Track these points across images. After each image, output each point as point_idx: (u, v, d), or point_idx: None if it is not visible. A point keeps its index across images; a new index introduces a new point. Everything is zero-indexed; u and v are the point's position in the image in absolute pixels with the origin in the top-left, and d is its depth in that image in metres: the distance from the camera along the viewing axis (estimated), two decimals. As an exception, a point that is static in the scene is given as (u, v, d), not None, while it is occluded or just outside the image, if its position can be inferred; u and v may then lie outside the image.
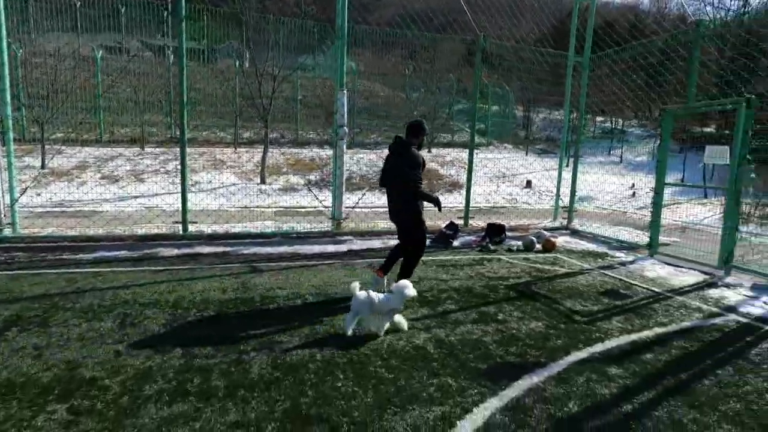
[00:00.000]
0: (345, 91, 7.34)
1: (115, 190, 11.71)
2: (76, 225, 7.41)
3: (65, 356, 3.11)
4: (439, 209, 4.62)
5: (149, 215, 8.81)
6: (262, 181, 13.64)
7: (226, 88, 18.16)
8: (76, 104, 16.17)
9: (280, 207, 11.08)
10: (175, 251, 6.31)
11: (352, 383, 2.89)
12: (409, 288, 3.67)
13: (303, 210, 10.69)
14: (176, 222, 7.37)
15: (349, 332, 3.61)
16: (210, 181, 12.92)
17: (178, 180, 6.95)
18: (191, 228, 7.15)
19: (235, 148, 16.89)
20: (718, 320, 4.42)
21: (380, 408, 2.62)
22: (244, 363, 3.10)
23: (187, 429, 2.37)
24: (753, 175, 6.04)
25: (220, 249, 6.54)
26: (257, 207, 10.74)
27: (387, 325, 3.67)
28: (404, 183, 4.41)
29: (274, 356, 3.22)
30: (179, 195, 6.95)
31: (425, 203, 4.61)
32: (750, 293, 5.38)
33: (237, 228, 7.66)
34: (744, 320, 4.46)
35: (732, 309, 4.79)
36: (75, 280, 4.88)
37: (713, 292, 5.38)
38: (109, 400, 2.61)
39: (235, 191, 12.26)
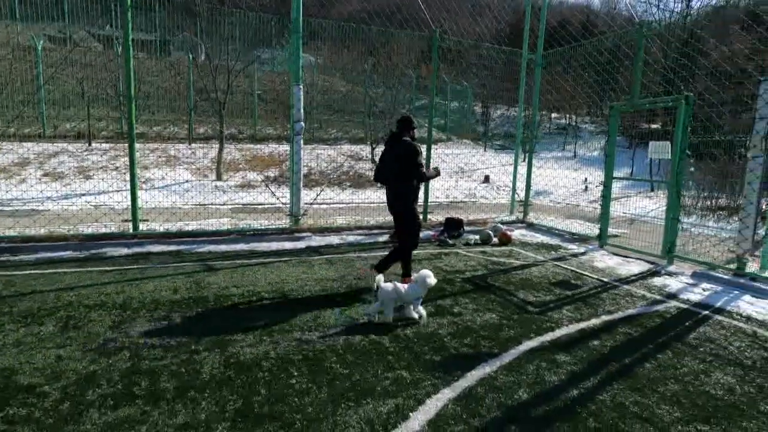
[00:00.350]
0: (301, 86, 7.24)
1: (58, 188, 11.11)
2: (15, 225, 6.98)
3: (0, 363, 2.94)
4: (438, 174, 5.23)
5: (96, 214, 8.42)
6: (218, 178, 13.29)
7: (179, 82, 17.55)
8: (14, 97, 15.21)
9: (237, 204, 10.83)
10: (125, 251, 6.06)
11: (307, 380, 2.86)
12: (430, 277, 3.92)
13: (260, 207, 10.50)
14: (126, 220, 7.08)
15: (376, 319, 3.87)
16: (163, 178, 12.46)
17: (128, 177, 6.67)
18: (142, 226, 6.88)
19: (190, 144, 16.37)
20: (660, 307, 4.65)
21: (334, 403, 2.61)
22: (195, 363, 3.02)
23: (132, 434, 2.28)
24: (692, 169, 6.39)
25: (173, 248, 6.34)
26: (213, 204, 10.45)
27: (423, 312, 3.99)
28: (401, 176, 4.75)
29: (226, 356, 3.15)
30: (129, 192, 6.67)
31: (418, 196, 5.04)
32: (690, 281, 5.69)
33: (191, 226, 7.44)
34: (684, 306, 4.72)
35: (673, 296, 5.06)
36: (13, 282, 4.60)
37: (657, 281, 5.67)
38: (47, 407, 2.48)
39: (189, 188, 11.89)
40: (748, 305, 4.76)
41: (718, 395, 2.89)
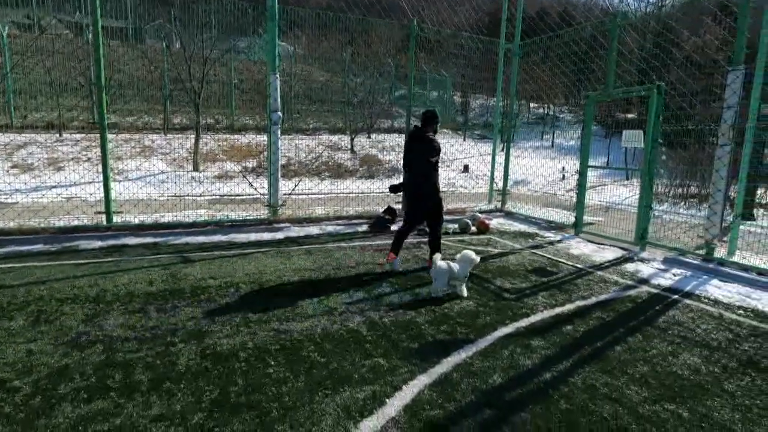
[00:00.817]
0: (278, 75, 7.15)
1: (27, 180, 10.79)
2: (-17, 218, 6.77)
3: (-34, 359, 2.86)
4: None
5: (68, 206, 8.21)
6: (195, 169, 13.08)
7: (153, 71, 17.13)
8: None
9: (215, 195, 10.68)
10: (98, 243, 5.93)
11: (284, 369, 2.87)
12: (473, 255, 4.41)
13: (238, 198, 10.38)
14: (99, 213, 6.92)
15: (441, 294, 4.33)
16: (137, 169, 12.20)
17: (101, 168, 6.51)
18: (116, 219, 6.75)
19: (165, 134, 16.04)
20: (632, 292, 4.78)
21: (311, 392, 2.62)
22: (171, 355, 2.99)
23: (106, 425, 2.26)
24: (664, 157, 6.54)
25: (149, 240, 6.23)
26: (189, 195, 10.30)
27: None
28: (426, 164, 5.11)
29: (203, 347, 3.12)
30: (102, 184, 6.52)
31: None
32: (661, 266, 5.86)
33: (167, 218, 7.32)
34: (654, 291, 4.85)
35: (645, 281, 5.20)
36: (-20, 277, 4.47)
37: (629, 267, 5.81)
38: (18, 401, 2.43)
39: (165, 179, 11.67)
40: (716, 289, 4.93)
41: (684, 375, 3.00)
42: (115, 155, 12.56)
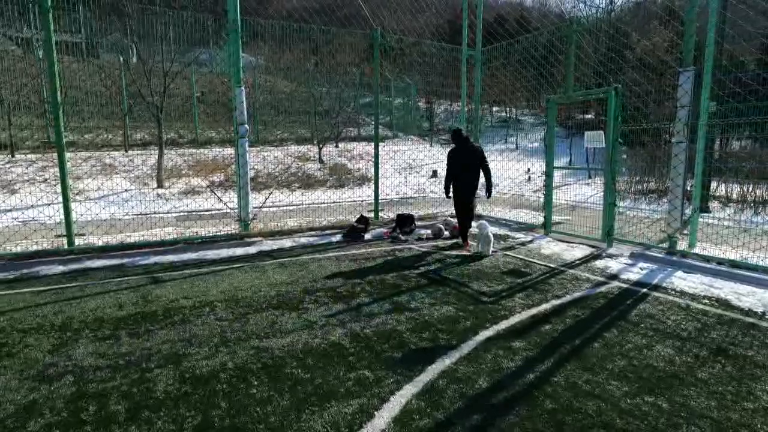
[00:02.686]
0: (243, 88, 7.05)
1: (-20, 205, 10.21)
2: (-69, 248, 6.36)
3: None
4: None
5: (25, 231, 7.82)
6: (160, 186, 12.71)
7: (110, 86, 16.59)
8: None
9: (182, 212, 10.40)
10: (61, 268, 5.67)
11: (267, 388, 2.80)
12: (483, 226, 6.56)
13: (207, 213, 10.14)
14: (60, 236, 6.62)
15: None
16: (98, 189, 11.76)
17: (59, 189, 6.24)
18: (79, 241, 6.48)
19: (126, 151, 15.55)
20: (603, 288, 4.92)
21: (297, 409, 2.57)
22: (148, 382, 2.88)
23: (82, 463, 2.15)
24: (624, 156, 6.80)
25: (115, 261, 6.00)
26: (156, 213, 9.99)
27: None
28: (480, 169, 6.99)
29: (181, 371, 3.02)
30: (61, 205, 6.25)
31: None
32: (629, 261, 6.06)
33: (134, 237, 7.08)
34: (624, 286, 5.01)
35: (615, 277, 5.37)
36: (-68, 311, 4.19)
37: (599, 263, 5.99)
38: (-17, 444, 2.29)
39: (128, 198, 11.29)
40: (681, 281, 5.13)
41: (660, 367, 3.10)
42: (74, 175, 12.07)
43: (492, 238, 6.48)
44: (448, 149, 7.30)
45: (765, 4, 6.24)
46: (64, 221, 6.24)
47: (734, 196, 10.45)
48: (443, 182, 7.33)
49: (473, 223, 7.13)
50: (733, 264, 5.44)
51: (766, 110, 6.85)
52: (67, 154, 6.25)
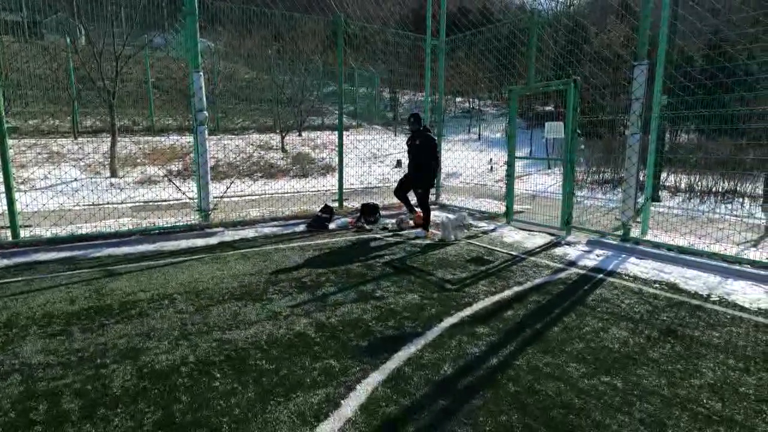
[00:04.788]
0: (201, 73, 6.81)
1: None
2: None
3: None
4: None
5: (-35, 222, 7.32)
6: (113, 174, 12.16)
7: (56, 69, 15.67)
8: None
9: (138, 202, 10.00)
10: (4, 261, 5.34)
11: (231, 380, 2.74)
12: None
13: (165, 203, 9.80)
14: (2, 227, 6.23)
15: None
16: (46, 177, 11.13)
17: (0, 178, 5.86)
18: (24, 233, 6.11)
19: (75, 138, 14.77)
20: (562, 275, 5.08)
21: (262, 401, 2.53)
22: (103, 378, 2.77)
23: (32, 465, 2.04)
24: (582, 147, 7.00)
25: (65, 254, 5.71)
26: (109, 204, 9.55)
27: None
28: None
29: (139, 365, 2.92)
30: (3, 195, 5.87)
31: None
32: (586, 248, 6.27)
33: (85, 228, 6.74)
34: (582, 272, 5.19)
35: (573, 263, 5.55)
36: None
37: (558, 251, 6.17)
38: None
39: (79, 187, 10.75)
40: (634, 266, 5.36)
41: (615, 348, 3.23)
42: (17, 162, 11.35)
43: (461, 224, 6.85)
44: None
45: (713, 2, 6.53)
46: (7, 212, 5.87)
47: (683, 185, 11.00)
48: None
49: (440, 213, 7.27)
50: (681, 250, 5.73)
51: (713, 104, 7.21)
52: (9, 141, 5.87)
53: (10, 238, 5.91)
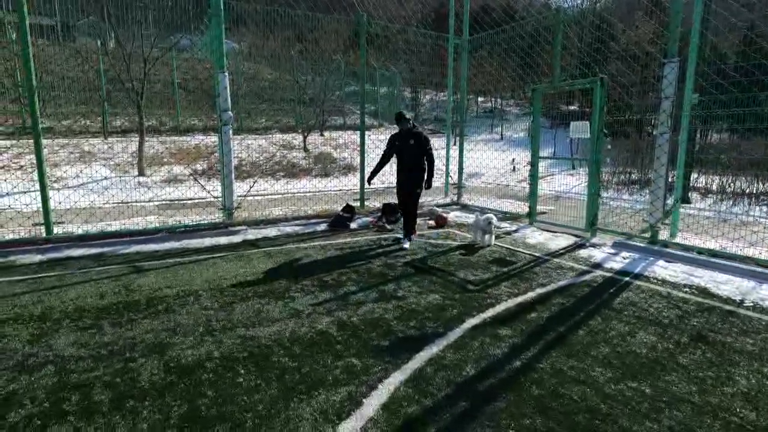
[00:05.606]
0: (226, 74, 6.91)
1: (-47, 192, 9.89)
2: None
3: None
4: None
5: (1, 218, 7.60)
6: (141, 174, 12.46)
7: (88, 71, 16.13)
8: None
9: (164, 200, 10.22)
10: (38, 257, 5.53)
11: (254, 377, 2.78)
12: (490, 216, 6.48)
13: (190, 202, 9.99)
14: (37, 224, 6.45)
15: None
16: (77, 176, 11.47)
17: (35, 176, 6.06)
18: (57, 230, 6.31)
19: (105, 138, 15.18)
20: (587, 277, 4.99)
21: (285, 398, 2.56)
22: (132, 372, 2.83)
23: (64, 454, 2.11)
24: (608, 146, 6.86)
25: (95, 250, 5.87)
26: (137, 202, 9.80)
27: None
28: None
29: (166, 360, 2.98)
30: (38, 193, 6.07)
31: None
32: (612, 250, 6.14)
33: (114, 226, 6.93)
34: (608, 274, 5.08)
35: (598, 265, 5.44)
36: None
37: (583, 252, 6.06)
38: (-40, 437, 2.22)
39: (108, 186, 11.05)
40: (662, 269, 5.22)
41: (642, 353, 3.15)
42: (51, 162, 11.74)
43: (490, 228, 6.38)
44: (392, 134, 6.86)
45: (747, -3, 6.32)
46: (41, 209, 6.08)
47: (714, 187, 10.67)
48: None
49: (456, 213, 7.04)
50: (713, 253, 5.55)
51: (748, 102, 6.97)
52: (44, 141, 6.07)
53: (44, 235, 6.11)
